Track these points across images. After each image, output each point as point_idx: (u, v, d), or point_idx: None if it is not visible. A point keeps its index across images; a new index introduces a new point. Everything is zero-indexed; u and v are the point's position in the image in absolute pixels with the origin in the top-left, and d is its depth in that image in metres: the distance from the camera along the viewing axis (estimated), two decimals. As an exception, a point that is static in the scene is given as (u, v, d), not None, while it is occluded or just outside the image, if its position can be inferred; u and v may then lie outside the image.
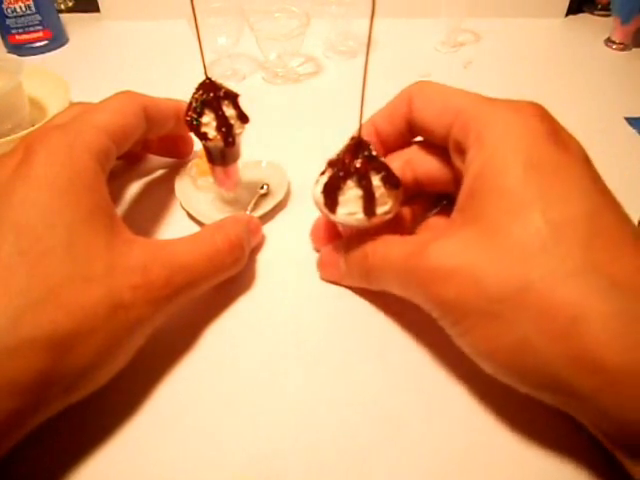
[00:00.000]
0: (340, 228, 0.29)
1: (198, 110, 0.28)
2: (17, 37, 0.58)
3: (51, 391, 0.20)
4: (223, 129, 0.29)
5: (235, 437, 0.24)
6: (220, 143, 0.29)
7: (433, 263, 0.22)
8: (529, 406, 0.22)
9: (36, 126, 0.41)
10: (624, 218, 0.21)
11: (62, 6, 0.68)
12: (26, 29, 0.58)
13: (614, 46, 0.59)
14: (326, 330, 0.28)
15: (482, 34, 0.61)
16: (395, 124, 0.28)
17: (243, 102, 0.30)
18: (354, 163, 0.24)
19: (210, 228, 0.28)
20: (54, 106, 0.44)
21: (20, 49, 0.58)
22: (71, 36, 0.62)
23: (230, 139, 0.29)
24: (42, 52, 0.59)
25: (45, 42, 0.59)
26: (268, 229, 0.34)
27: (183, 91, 0.31)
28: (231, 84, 0.32)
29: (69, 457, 0.23)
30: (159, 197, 0.37)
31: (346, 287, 0.30)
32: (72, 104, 0.31)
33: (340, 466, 0.23)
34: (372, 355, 0.27)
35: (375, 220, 0.25)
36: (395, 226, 0.28)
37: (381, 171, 0.24)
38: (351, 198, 0.24)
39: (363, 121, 0.24)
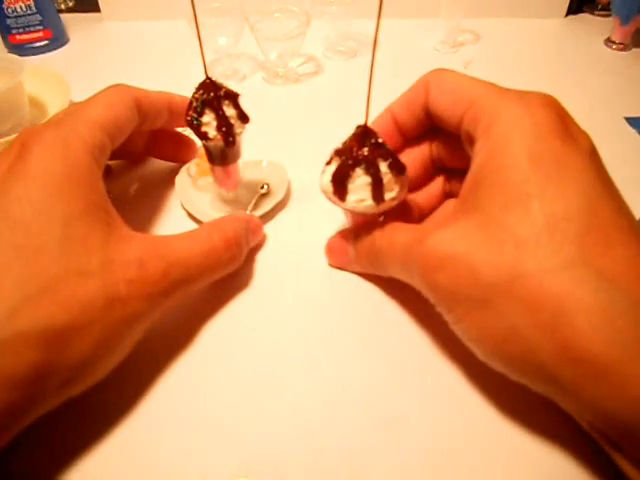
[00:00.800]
0: (348, 216, 0.29)
1: (198, 110, 0.28)
2: (17, 37, 0.58)
3: (47, 385, 0.20)
4: (223, 129, 0.29)
5: (235, 435, 0.24)
6: (220, 143, 0.29)
7: (430, 249, 0.22)
8: (527, 396, 0.22)
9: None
10: (622, 212, 0.21)
11: (62, 6, 0.68)
12: (26, 29, 0.58)
13: (614, 46, 0.59)
14: (326, 329, 0.28)
15: (482, 34, 0.61)
16: (413, 112, 0.28)
17: (243, 102, 0.30)
18: (362, 151, 0.24)
19: (208, 225, 0.28)
20: (54, 106, 0.44)
21: (20, 49, 0.58)
22: (71, 36, 0.62)
23: (230, 139, 0.29)
24: (42, 52, 0.59)
25: (45, 42, 0.59)
26: (268, 229, 0.34)
27: (183, 91, 0.31)
28: (231, 84, 0.32)
29: (66, 452, 0.23)
30: (159, 197, 0.37)
31: (346, 287, 0.30)
32: (70, 104, 0.31)
33: (342, 463, 0.23)
34: (372, 354, 0.27)
35: (384, 206, 0.25)
36: (404, 215, 0.29)
37: (388, 158, 0.25)
38: (360, 185, 0.25)
39: (374, 114, 0.25)
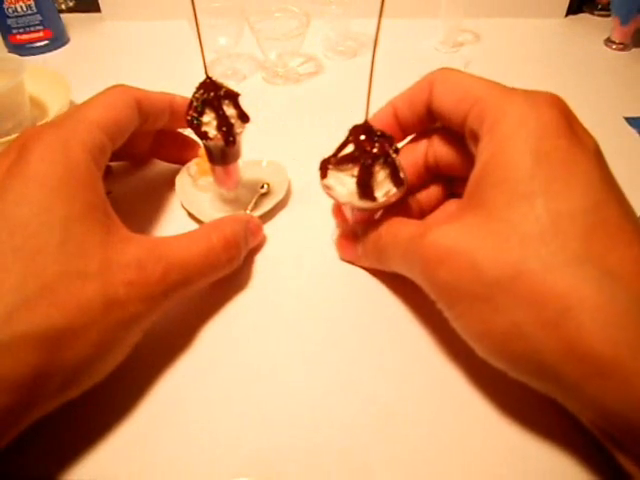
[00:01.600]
0: (353, 216, 0.29)
1: (199, 109, 0.28)
2: (18, 37, 0.58)
3: (46, 387, 0.20)
4: (224, 128, 0.29)
5: (236, 434, 0.24)
6: (221, 142, 0.29)
7: (432, 244, 0.22)
8: (526, 393, 0.23)
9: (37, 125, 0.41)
10: (627, 211, 0.21)
11: (63, 6, 0.68)
12: (27, 29, 0.58)
13: (614, 46, 0.59)
14: (326, 328, 0.28)
15: (482, 34, 0.61)
16: (414, 109, 0.28)
17: (243, 102, 0.30)
18: (375, 147, 0.25)
19: (207, 226, 0.28)
20: (55, 106, 0.44)
21: (21, 49, 0.58)
22: (72, 36, 0.62)
23: (231, 138, 0.29)
24: (43, 52, 0.59)
25: (46, 42, 0.59)
26: (268, 228, 0.34)
27: (184, 91, 0.31)
28: (231, 84, 0.32)
29: (66, 453, 0.23)
30: (160, 196, 0.37)
31: (347, 287, 0.30)
32: (72, 107, 0.31)
33: (342, 463, 0.23)
34: (373, 354, 0.27)
35: (405, 186, 0.26)
36: (405, 212, 0.29)
37: (392, 143, 0.25)
38: (382, 179, 0.25)
39: (374, 109, 0.25)
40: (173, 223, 0.35)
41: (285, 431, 0.24)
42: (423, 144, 0.29)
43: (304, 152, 0.39)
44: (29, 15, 0.57)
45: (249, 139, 0.33)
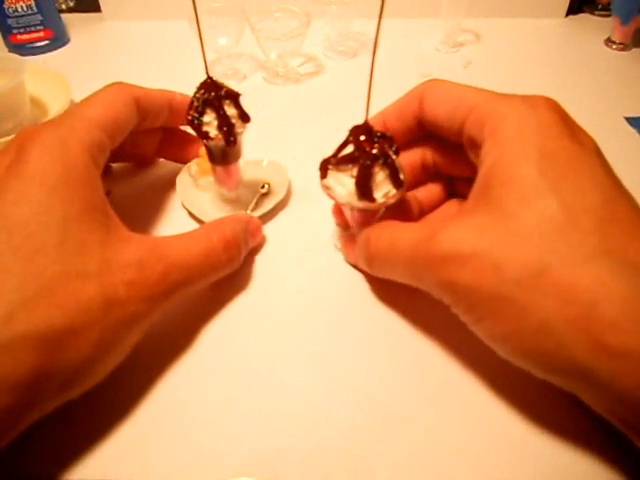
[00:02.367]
0: (352, 217, 0.29)
1: (200, 109, 0.28)
2: (18, 37, 0.58)
3: (46, 388, 0.20)
4: (224, 128, 0.29)
5: (236, 434, 0.24)
6: (221, 142, 0.29)
7: (446, 248, 0.22)
8: (541, 393, 0.23)
9: (37, 125, 0.41)
10: (636, 206, 0.21)
11: (63, 6, 0.68)
12: (27, 29, 0.58)
13: (614, 46, 0.59)
14: (326, 328, 0.28)
15: (482, 34, 0.61)
16: (404, 121, 0.28)
17: (244, 102, 0.30)
18: (374, 148, 0.25)
19: (207, 226, 0.28)
20: (55, 105, 0.44)
21: (21, 49, 0.58)
22: (72, 36, 0.62)
23: (231, 138, 0.29)
24: (43, 52, 0.59)
25: (46, 42, 0.59)
26: (269, 228, 0.34)
27: (184, 91, 0.31)
28: (232, 84, 0.32)
29: (66, 453, 0.23)
30: (160, 196, 0.37)
31: (347, 287, 0.30)
32: (71, 105, 0.31)
33: (343, 462, 0.23)
34: (373, 353, 0.27)
35: (405, 187, 0.26)
36: (405, 212, 0.29)
37: (392, 145, 0.25)
38: (381, 180, 0.25)
39: (373, 113, 0.25)
40: (174, 223, 0.35)
41: (285, 431, 0.24)
42: (420, 145, 0.29)
43: (304, 152, 0.39)
44: (29, 15, 0.57)
45: (250, 139, 0.33)
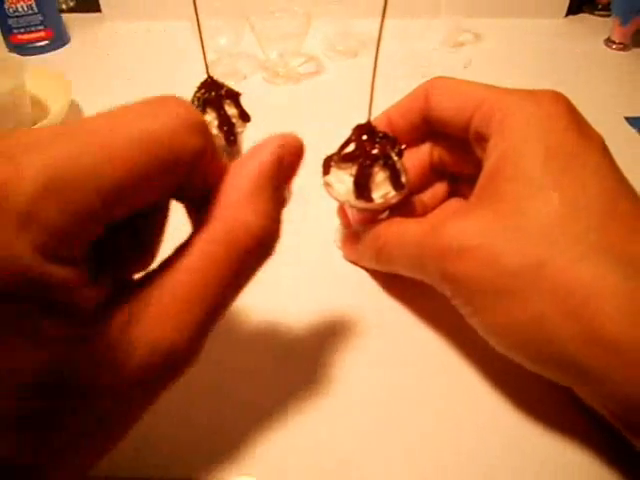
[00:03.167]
0: (355, 216, 0.29)
1: (200, 109, 0.28)
2: (19, 37, 0.58)
3: None
4: (225, 128, 0.29)
5: (237, 434, 0.24)
6: (222, 142, 0.29)
7: (449, 241, 0.22)
8: (534, 389, 0.23)
9: (37, 125, 0.41)
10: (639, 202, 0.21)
11: (64, 6, 0.68)
12: (28, 29, 0.58)
13: (614, 46, 0.59)
14: (327, 328, 0.28)
15: (482, 34, 0.61)
16: (410, 118, 0.28)
17: (244, 102, 0.30)
18: (375, 148, 0.25)
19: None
20: (55, 105, 0.44)
21: (22, 49, 0.58)
22: (72, 36, 0.62)
23: (232, 137, 0.29)
24: (43, 52, 0.59)
25: (47, 42, 0.59)
26: (269, 228, 0.34)
27: (184, 91, 0.31)
28: (232, 84, 0.32)
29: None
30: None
31: (347, 287, 0.30)
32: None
33: (344, 462, 0.23)
34: (374, 353, 0.27)
35: (404, 191, 0.26)
36: (410, 212, 0.29)
37: (395, 145, 0.25)
38: (380, 181, 0.25)
39: (374, 113, 0.25)
40: (173, 223, 0.35)
41: (285, 431, 0.24)
42: (428, 143, 0.29)
43: (305, 151, 0.39)
44: (30, 15, 0.57)
45: (250, 138, 0.33)
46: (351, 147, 0.25)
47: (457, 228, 0.22)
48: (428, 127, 0.28)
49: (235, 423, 0.24)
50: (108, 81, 0.51)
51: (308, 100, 0.50)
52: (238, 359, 0.27)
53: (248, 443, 0.23)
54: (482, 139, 0.25)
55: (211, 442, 0.23)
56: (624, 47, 0.59)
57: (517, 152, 0.22)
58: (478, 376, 0.25)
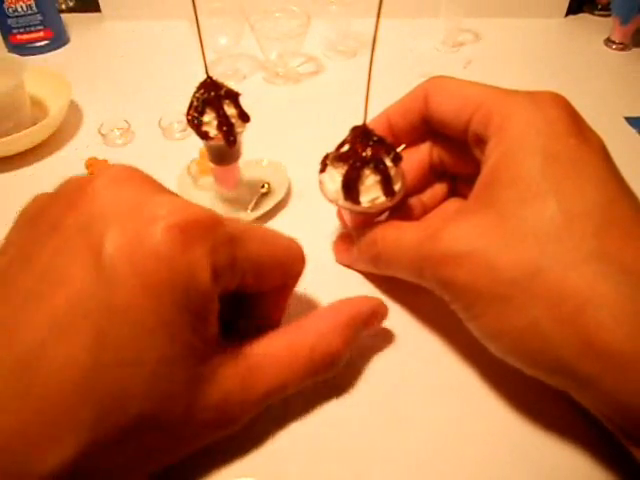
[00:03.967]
0: (349, 218, 0.29)
1: (199, 109, 0.28)
2: (18, 37, 0.58)
3: None
4: (224, 128, 0.29)
5: (236, 434, 0.24)
6: (221, 142, 0.29)
7: (446, 247, 0.22)
8: (537, 392, 0.23)
9: (37, 125, 0.41)
10: (639, 208, 0.21)
11: (63, 6, 0.68)
12: (27, 29, 0.58)
13: (614, 46, 0.59)
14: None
15: (482, 34, 0.61)
16: (409, 118, 0.28)
17: (244, 102, 0.30)
18: (367, 151, 0.24)
19: (308, 332, 0.22)
20: (55, 105, 0.44)
21: (21, 49, 0.58)
22: (72, 36, 0.62)
23: (231, 138, 0.29)
24: (43, 52, 0.59)
25: (46, 42, 0.59)
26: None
27: (184, 90, 0.31)
28: (232, 84, 0.32)
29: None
30: (160, 196, 0.37)
31: (348, 286, 0.30)
32: None
33: (344, 462, 0.23)
34: (374, 353, 0.27)
35: (395, 199, 0.26)
36: (408, 214, 0.29)
37: (390, 151, 0.25)
38: (370, 185, 0.25)
39: (373, 113, 0.25)
40: (173, 223, 0.35)
41: (286, 431, 0.24)
42: (427, 143, 0.29)
43: (304, 152, 0.39)
44: (29, 15, 0.57)
45: (249, 139, 0.33)
46: (346, 147, 0.25)
47: (453, 234, 0.22)
48: (427, 127, 0.28)
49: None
50: (108, 81, 0.51)
51: (308, 100, 0.49)
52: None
53: (248, 443, 0.23)
54: (480, 141, 0.24)
55: (211, 442, 0.23)
56: (624, 47, 0.59)
57: (515, 157, 0.22)
58: (478, 376, 0.25)
